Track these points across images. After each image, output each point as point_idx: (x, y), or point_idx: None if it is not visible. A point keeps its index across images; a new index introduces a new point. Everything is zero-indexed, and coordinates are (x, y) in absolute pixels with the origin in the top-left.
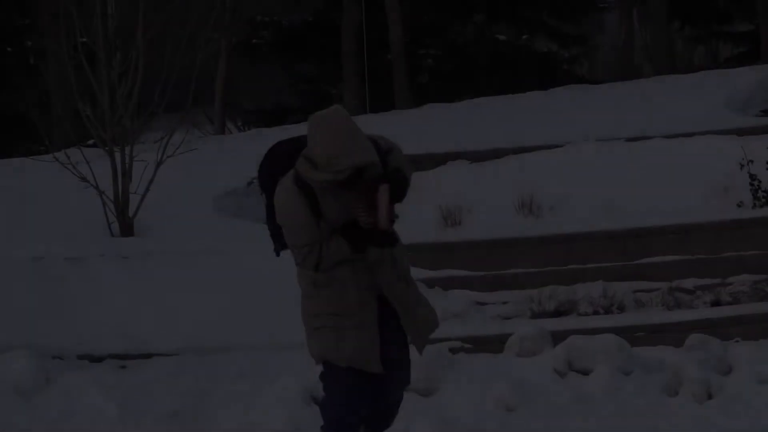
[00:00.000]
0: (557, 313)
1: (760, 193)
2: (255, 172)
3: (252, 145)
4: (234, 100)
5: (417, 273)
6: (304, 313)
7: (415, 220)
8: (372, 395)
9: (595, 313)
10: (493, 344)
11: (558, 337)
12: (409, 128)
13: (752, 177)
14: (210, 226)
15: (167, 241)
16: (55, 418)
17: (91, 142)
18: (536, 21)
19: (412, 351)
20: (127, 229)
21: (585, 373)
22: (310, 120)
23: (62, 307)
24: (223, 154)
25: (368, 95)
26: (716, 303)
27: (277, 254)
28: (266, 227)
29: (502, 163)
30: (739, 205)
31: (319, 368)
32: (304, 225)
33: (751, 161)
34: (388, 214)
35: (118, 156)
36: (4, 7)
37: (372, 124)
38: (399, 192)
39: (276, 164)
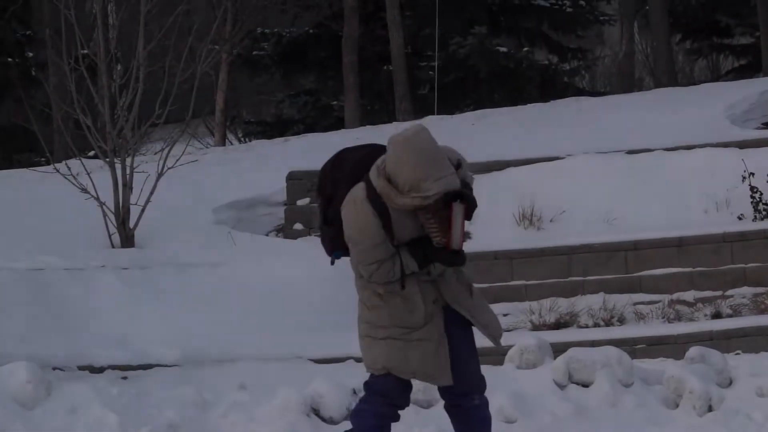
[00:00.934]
0: (557, 325)
1: (760, 206)
2: (255, 185)
3: (252, 157)
4: (235, 111)
5: None
6: (365, 324)
7: None
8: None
9: (596, 325)
10: (494, 356)
11: (558, 349)
12: None
13: (753, 190)
14: (210, 238)
15: (167, 253)
16: (55, 429)
17: (91, 153)
18: (537, 33)
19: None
20: (127, 240)
21: (585, 385)
22: (392, 142)
23: (63, 318)
24: (223, 165)
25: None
26: (717, 315)
27: (332, 263)
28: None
29: (503, 175)
30: (739, 218)
31: (318, 380)
32: (378, 244)
33: (752, 174)
34: (462, 235)
35: (118, 167)
36: (5, 18)
37: (372, 136)
38: (473, 210)
39: (341, 171)
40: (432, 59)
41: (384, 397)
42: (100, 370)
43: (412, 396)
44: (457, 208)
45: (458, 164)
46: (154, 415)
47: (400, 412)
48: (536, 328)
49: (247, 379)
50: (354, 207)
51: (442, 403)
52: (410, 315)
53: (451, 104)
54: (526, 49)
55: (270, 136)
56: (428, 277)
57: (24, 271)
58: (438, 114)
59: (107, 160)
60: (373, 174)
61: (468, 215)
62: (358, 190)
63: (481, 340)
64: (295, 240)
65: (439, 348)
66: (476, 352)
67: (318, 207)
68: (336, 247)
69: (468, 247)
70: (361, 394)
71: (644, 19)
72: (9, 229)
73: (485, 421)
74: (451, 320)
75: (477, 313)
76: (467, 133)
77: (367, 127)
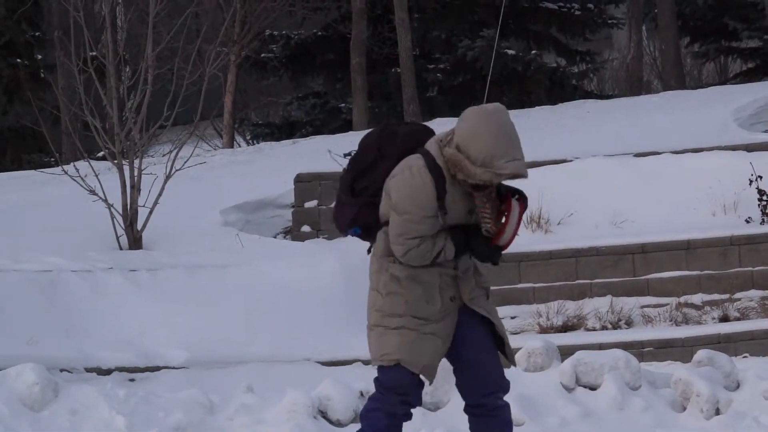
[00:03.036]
0: (565, 328)
1: None
2: (263, 187)
3: (260, 159)
4: (243, 113)
5: None
6: (377, 312)
7: None
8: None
9: (603, 328)
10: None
11: (566, 352)
12: None
13: (761, 193)
14: (218, 240)
15: (175, 255)
16: (62, 431)
17: (99, 154)
18: (545, 36)
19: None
20: (135, 242)
21: (593, 388)
22: (470, 112)
23: (70, 320)
24: (231, 168)
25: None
26: (724, 319)
27: (345, 234)
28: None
29: None
30: (747, 221)
31: (326, 382)
32: (427, 216)
33: (760, 177)
34: (516, 231)
35: (126, 169)
36: (14, 20)
37: None
38: (525, 210)
39: (390, 141)
40: (440, 61)
41: (397, 393)
42: (107, 372)
43: None
44: (515, 205)
45: None
46: (161, 418)
47: (412, 410)
48: (544, 330)
49: (255, 381)
50: (410, 173)
51: (450, 405)
52: (427, 306)
53: (459, 106)
54: (534, 52)
55: (278, 139)
56: (453, 272)
57: (32, 272)
58: (446, 116)
59: (115, 161)
60: (433, 146)
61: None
62: (415, 159)
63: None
64: (302, 242)
65: (444, 347)
66: (496, 350)
67: (343, 176)
68: (355, 222)
69: None
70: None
71: (653, 23)
72: (17, 230)
73: (508, 424)
74: (466, 320)
75: (493, 318)
76: None
77: (382, 127)
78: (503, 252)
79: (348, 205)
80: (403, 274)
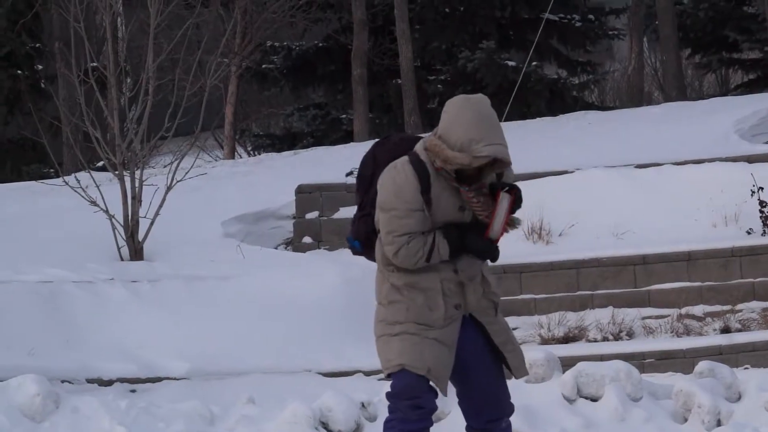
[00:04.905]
0: (566, 339)
1: None
2: (264, 199)
3: (261, 170)
4: (244, 125)
5: None
6: (380, 323)
7: None
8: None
9: (604, 339)
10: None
11: (567, 363)
12: None
13: (762, 204)
14: (219, 251)
15: (176, 266)
16: None
17: (99, 164)
18: (546, 47)
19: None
20: (136, 253)
21: (594, 399)
22: (451, 102)
23: (71, 331)
24: (232, 179)
25: (377, 120)
26: (726, 330)
27: (354, 249)
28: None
29: None
30: (748, 233)
31: (327, 393)
32: (413, 210)
33: (761, 188)
34: (505, 223)
35: (127, 180)
36: (15, 31)
37: None
38: (519, 204)
39: (383, 146)
40: (440, 73)
41: (408, 398)
42: (108, 383)
43: None
44: (505, 196)
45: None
46: (162, 429)
47: (432, 419)
48: (545, 342)
49: (256, 392)
50: (394, 170)
51: (451, 416)
52: (430, 312)
53: None
54: (534, 63)
55: (279, 150)
56: (454, 277)
57: (33, 283)
58: None
59: (116, 172)
60: (419, 146)
61: (512, 209)
62: (401, 159)
63: None
64: (303, 253)
65: (450, 356)
66: (503, 373)
67: (355, 196)
68: (358, 235)
69: None
70: (371, 407)
71: (653, 34)
72: (18, 241)
73: None
74: (471, 338)
75: (498, 336)
76: None
77: (376, 140)
78: (497, 247)
79: (355, 220)
80: (402, 282)
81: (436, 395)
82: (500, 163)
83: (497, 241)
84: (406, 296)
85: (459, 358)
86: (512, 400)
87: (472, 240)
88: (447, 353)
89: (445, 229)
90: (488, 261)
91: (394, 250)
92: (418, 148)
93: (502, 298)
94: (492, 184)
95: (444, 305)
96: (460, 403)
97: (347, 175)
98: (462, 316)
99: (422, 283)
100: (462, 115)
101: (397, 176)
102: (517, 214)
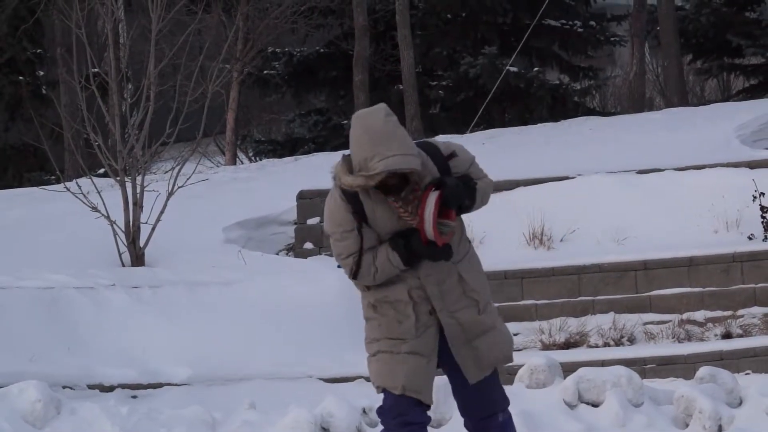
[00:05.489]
0: (567, 345)
1: None
2: (265, 204)
3: (262, 176)
4: (245, 130)
5: None
6: (365, 340)
7: None
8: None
9: (606, 344)
10: (503, 375)
11: (568, 369)
12: None
13: (763, 209)
14: (220, 257)
15: (177, 272)
16: None
17: (101, 170)
18: (548, 53)
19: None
20: (137, 259)
21: (595, 405)
22: (352, 119)
23: (73, 337)
24: (233, 184)
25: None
26: (727, 336)
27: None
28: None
29: (513, 195)
30: (750, 238)
31: (328, 399)
32: (348, 231)
33: (763, 194)
34: (434, 223)
35: (129, 186)
36: (16, 37)
37: None
38: (452, 200)
39: None
40: (442, 78)
41: (395, 416)
42: (110, 388)
43: None
44: (430, 196)
45: (451, 154)
46: None
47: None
48: (546, 347)
49: (257, 398)
50: (329, 196)
51: (452, 422)
52: (399, 325)
53: (461, 123)
54: (536, 69)
55: (280, 155)
56: (421, 284)
57: (34, 289)
58: (448, 133)
59: (118, 178)
60: (337, 163)
61: (450, 204)
62: (334, 184)
63: None
64: (305, 259)
65: (429, 364)
66: (495, 370)
67: None
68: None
69: None
70: (372, 413)
71: (655, 40)
72: (19, 247)
73: None
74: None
75: (474, 333)
76: (477, 153)
77: None
78: (445, 243)
79: None
80: (374, 299)
81: (427, 407)
82: (412, 172)
83: (442, 241)
84: (379, 311)
85: (447, 359)
86: (513, 406)
87: (417, 245)
88: (424, 363)
89: (392, 240)
90: (451, 261)
91: (348, 273)
92: (337, 165)
93: (503, 304)
94: (426, 183)
95: (414, 314)
96: (456, 401)
97: None
98: (437, 321)
99: (391, 296)
100: (354, 134)
101: (329, 202)
102: (520, 219)
